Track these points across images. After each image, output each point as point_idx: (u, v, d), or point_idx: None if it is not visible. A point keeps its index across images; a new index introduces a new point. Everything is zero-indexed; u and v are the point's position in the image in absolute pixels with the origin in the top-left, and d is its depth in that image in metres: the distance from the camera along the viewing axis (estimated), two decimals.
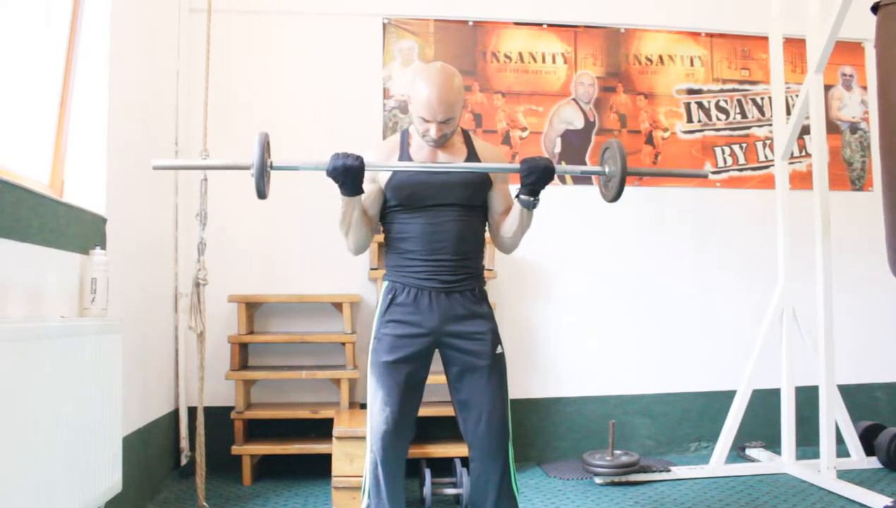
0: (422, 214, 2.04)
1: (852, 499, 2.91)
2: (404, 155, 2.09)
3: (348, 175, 1.90)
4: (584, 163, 3.88)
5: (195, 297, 2.89)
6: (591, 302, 3.82)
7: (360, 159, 1.91)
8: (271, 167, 1.92)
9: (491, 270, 3.44)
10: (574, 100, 3.94)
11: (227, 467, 3.35)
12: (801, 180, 3.96)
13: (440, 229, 2.03)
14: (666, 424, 3.86)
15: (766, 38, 3.69)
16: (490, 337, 2.06)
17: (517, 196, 2.03)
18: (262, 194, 1.89)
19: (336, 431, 2.87)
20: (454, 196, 2.04)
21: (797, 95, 3.40)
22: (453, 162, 2.08)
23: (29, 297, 1.92)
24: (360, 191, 1.96)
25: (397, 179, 2.05)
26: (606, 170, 2.06)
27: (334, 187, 3.48)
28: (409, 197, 2.04)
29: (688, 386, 3.88)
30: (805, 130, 3.53)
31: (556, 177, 3.81)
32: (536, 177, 1.96)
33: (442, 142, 2.05)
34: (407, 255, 2.06)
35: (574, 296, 3.81)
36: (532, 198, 2.01)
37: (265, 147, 1.88)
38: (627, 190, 3.97)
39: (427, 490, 2.86)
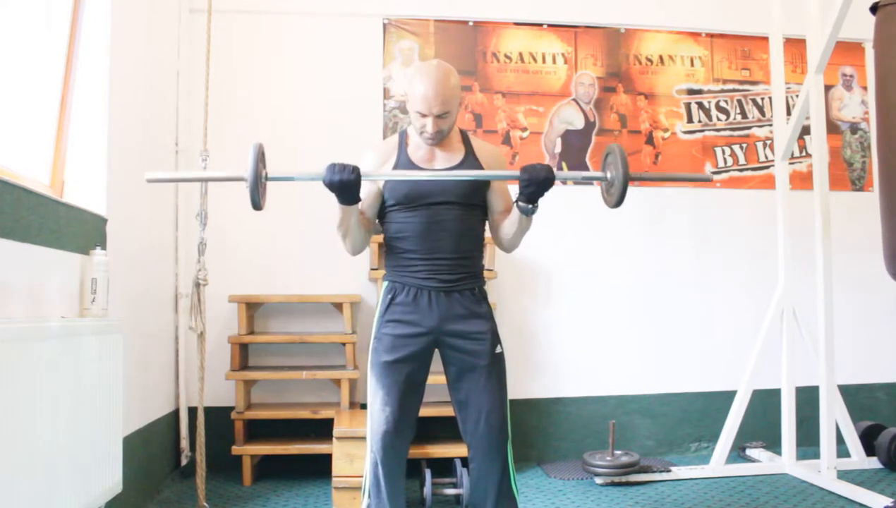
0: (420, 213, 2.04)
1: (852, 499, 2.91)
2: (402, 155, 2.08)
3: (345, 188, 1.89)
4: (585, 164, 3.88)
5: (195, 297, 2.89)
6: (591, 302, 3.81)
7: (356, 171, 1.88)
8: (266, 178, 1.90)
9: (491, 270, 3.44)
10: (574, 100, 3.94)
11: (228, 467, 3.35)
12: (802, 180, 3.96)
13: (438, 227, 2.03)
14: (666, 424, 3.86)
15: (766, 38, 3.69)
16: (489, 336, 2.06)
17: (516, 202, 2.01)
18: (256, 206, 1.88)
19: (336, 431, 2.87)
20: (452, 194, 2.04)
21: (797, 95, 3.40)
22: (451, 162, 2.08)
23: (29, 297, 1.92)
24: (358, 200, 1.95)
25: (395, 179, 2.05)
26: (608, 175, 2.00)
27: None
28: (406, 195, 2.04)
29: (688, 386, 3.88)
30: (805, 130, 3.53)
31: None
32: (535, 187, 1.92)
33: (439, 139, 2.04)
34: (406, 255, 2.06)
35: (574, 296, 3.80)
36: (531, 205, 1.98)
37: (259, 158, 1.86)
38: (628, 189, 3.98)
39: (427, 490, 2.86)
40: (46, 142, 2.37)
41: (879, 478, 3.26)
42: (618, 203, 1.99)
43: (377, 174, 2.03)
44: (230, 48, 3.58)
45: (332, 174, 1.88)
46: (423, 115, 1.98)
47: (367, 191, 2.08)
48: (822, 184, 3.17)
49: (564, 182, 3.87)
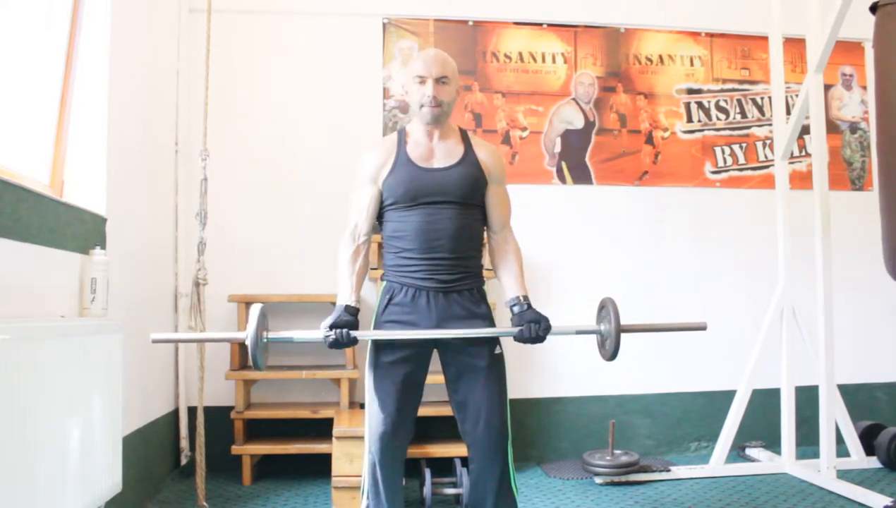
0: (418, 212, 2.04)
1: (852, 499, 2.91)
2: (401, 152, 2.08)
3: (345, 346, 1.98)
4: (585, 164, 3.89)
5: (195, 297, 2.89)
6: (591, 301, 3.79)
7: (351, 332, 1.96)
8: (267, 340, 1.97)
9: (490, 270, 3.43)
10: (574, 99, 3.94)
11: (227, 467, 3.35)
12: (801, 180, 3.96)
13: (437, 227, 2.03)
14: (666, 424, 3.86)
15: (766, 38, 3.69)
16: (489, 337, 2.05)
17: (510, 307, 2.08)
18: (258, 367, 1.95)
19: (336, 431, 2.87)
20: (451, 193, 2.04)
21: (797, 95, 3.40)
22: (450, 160, 2.08)
23: (29, 297, 1.92)
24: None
25: (394, 176, 2.05)
26: (602, 328, 2.09)
27: (333, 187, 3.49)
28: (405, 194, 2.04)
29: (688, 386, 3.88)
30: (805, 130, 3.53)
31: (556, 180, 3.85)
32: (526, 342, 2.03)
33: (439, 114, 2.04)
34: (404, 254, 2.06)
35: (574, 296, 3.80)
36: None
37: (260, 322, 1.93)
38: (627, 189, 4.01)
39: (427, 490, 2.86)
40: (46, 142, 2.37)
41: (879, 478, 3.26)
42: (612, 356, 2.05)
43: (369, 333, 2.07)
44: (230, 48, 3.58)
45: (329, 337, 1.97)
46: (423, 81, 2.00)
47: (368, 194, 2.08)
48: (822, 183, 3.17)
49: (563, 180, 3.88)
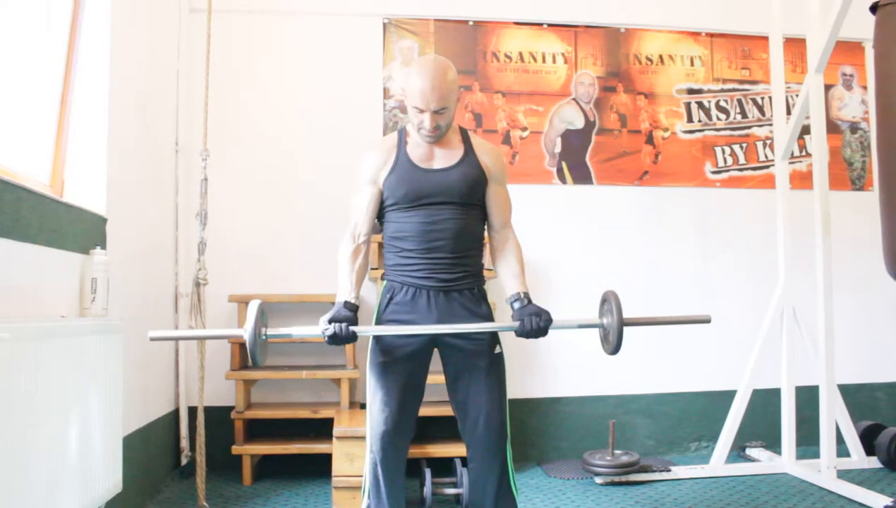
0: (419, 212, 2.03)
1: (852, 499, 2.91)
2: (401, 153, 2.08)
3: (344, 342, 1.95)
4: (585, 164, 3.90)
5: (195, 297, 2.89)
6: (592, 301, 3.78)
7: (352, 329, 1.94)
8: (266, 336, 1.95)
9: (491, 270, 3.43)
10: (574, 99, 3.94)
11: (227, 467, 3.35)
12: (802, 180, 3.96)
13: (437, 227, 2.03)
14: (666, 424, 3.86)
15: (766, 38, 3.69)
16: (488, 336, 2.05)
17: (511, 303, 2.06)
18: (256, 363, 1.93)
19: (336, 431, 2.87)
20: (451, 193, 2.04)
21: (797, 95, 3.40)
22: (450, 161, 2.08)
23: (29, 297, 1.92)
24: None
25: (394, 177, 2.05)
26: (604, 322, 2.05)
27: (333, 187, 3.48)
28: (405, 194, 2.03)
29: (688, 386, 3.88)
30: (805, 130, 3.53)
31: (556, 180, 3.86)
32: (528, 336, 2.00)
33: (437, 136, 2.04)
34: (404, 254, 2.06)
35: (574, 296, 3.80)
36: None
37: (258, 318, 1.91)
38: (627, 189, 4.00)
39: (427, 490, 2.86)
40: (46, 142, 2.37)
41: (879, 478, 3.26)
42: (615, 350, 2.03)
43: (370, 329, 2.05)
44: (230, 48, 3.58)
45: (329, 333, 1.94)
46: (421, 111, 1.99)
47: (368, 194, 2.08)
48: (822, 183, 3.17)
49: (563, 180, 3.88)
